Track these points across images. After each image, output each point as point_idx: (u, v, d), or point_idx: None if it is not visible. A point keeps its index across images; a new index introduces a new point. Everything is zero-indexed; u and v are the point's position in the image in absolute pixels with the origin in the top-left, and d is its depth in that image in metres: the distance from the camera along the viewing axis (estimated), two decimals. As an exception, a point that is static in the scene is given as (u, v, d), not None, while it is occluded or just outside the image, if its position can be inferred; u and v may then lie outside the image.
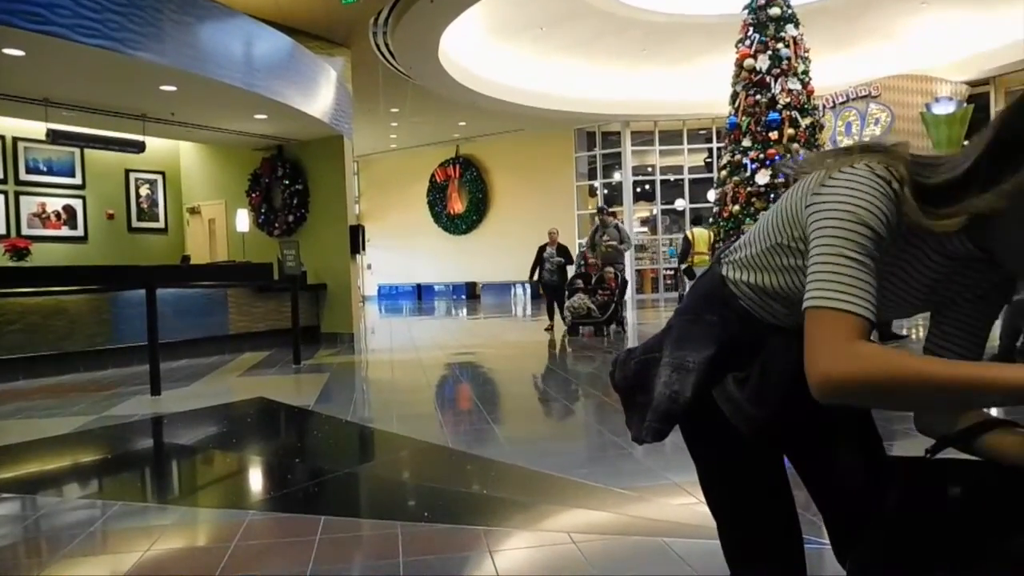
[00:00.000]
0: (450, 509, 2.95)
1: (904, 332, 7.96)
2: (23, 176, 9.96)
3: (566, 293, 10.02)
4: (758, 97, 9.67)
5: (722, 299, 1.12)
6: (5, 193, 9.80)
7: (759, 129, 9.64)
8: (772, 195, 9.52)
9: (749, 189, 9.69)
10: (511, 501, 3.04)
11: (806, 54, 9.93)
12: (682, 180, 17.99)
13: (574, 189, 18.78)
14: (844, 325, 0.83)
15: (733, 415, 1.06)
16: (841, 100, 15.40)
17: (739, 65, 9.93)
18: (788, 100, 9.58)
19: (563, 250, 10.55)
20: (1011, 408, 2.70)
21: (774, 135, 9.54)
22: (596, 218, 10.84)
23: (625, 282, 10.34)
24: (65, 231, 10.45)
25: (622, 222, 13.26)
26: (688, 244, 12.28)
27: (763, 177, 9.55)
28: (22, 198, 9.98)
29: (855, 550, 1.04)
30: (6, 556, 2.66)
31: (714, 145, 17.02)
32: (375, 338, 11.00)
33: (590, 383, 6.03)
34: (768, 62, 9.65)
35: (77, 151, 10.34)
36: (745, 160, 9.74)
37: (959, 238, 0.91)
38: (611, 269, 9.96)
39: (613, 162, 18.59)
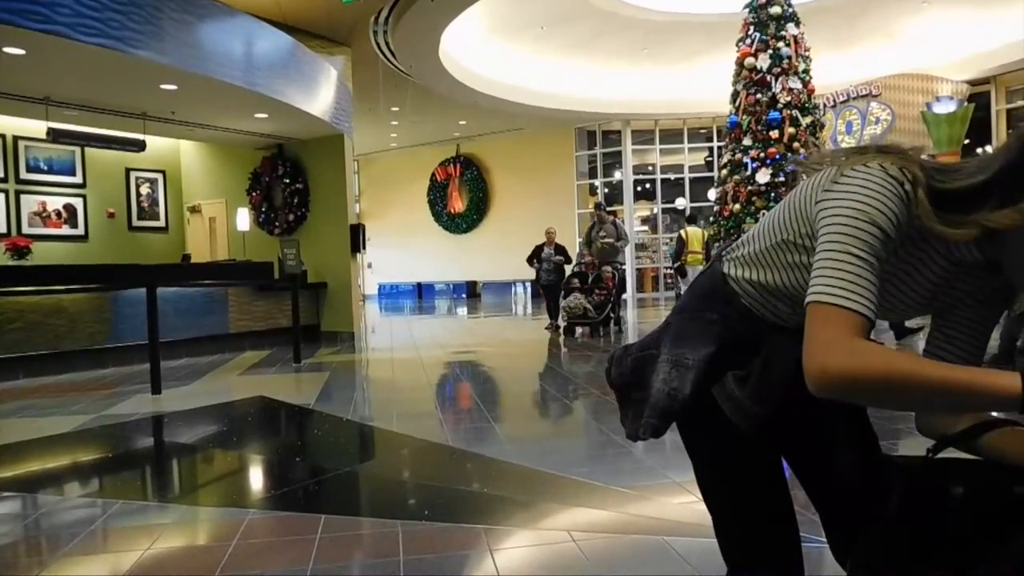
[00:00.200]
0: (450, 508, 2.95)
1: (915, 326, 7.76)
2: (24, 175, 9.96)
3: (562, 292, 9.90)
4: (759, 96, 9.66)
5: (723, 297, 1.11)
6: (6, 192, 9.81)
7: (760, 128, 9.64)
8: (773, 194, 9.51)
9: (750, 188, 9.68)
10: (511, 500, 3.04)
11: (807, 53, 9.92)
12: (683, 179, 17.98)
13: (575, 188, 18.76)
14: (845, 321, 0.83)
15: (733, 413, 1.06)
16: (842, 99, 15.39)
17: (740, 64, 9.92)
18: (789, 99, 9.58)
19: (561, 249, 10.53)
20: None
21: (775, 134, 9.53)
22: (593, 214, 10.80)
23: (623, 281, 10.24)
24: (66, 230, 10.46)
25: (623, 221, 13.23)
26: (682, 243, 12.29)
27: (764, 176, 9.55)
28: (23, 197, 9.98)
29: (856, 549, 1.04)
30: (6, 555, 2.66)
31: (715, 144, 17.00)
32: (375, 337, 11.00)
33: (590, 382, 6.03)
34: (769, 61, 9.64)
35: (78, 150, 10.34)
36: (746, 159, 9.73)
37: (968, 247, 0.91)
38: (608, 268, 9.80)
39: (614, 161, 18.58)
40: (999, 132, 14.58)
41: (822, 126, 10.37)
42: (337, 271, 10.17)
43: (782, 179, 9.46)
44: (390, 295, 22.04)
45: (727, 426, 1.07)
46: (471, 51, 13.60)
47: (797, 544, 1.16)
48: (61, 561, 2.51)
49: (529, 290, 18.49)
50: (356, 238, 10.09)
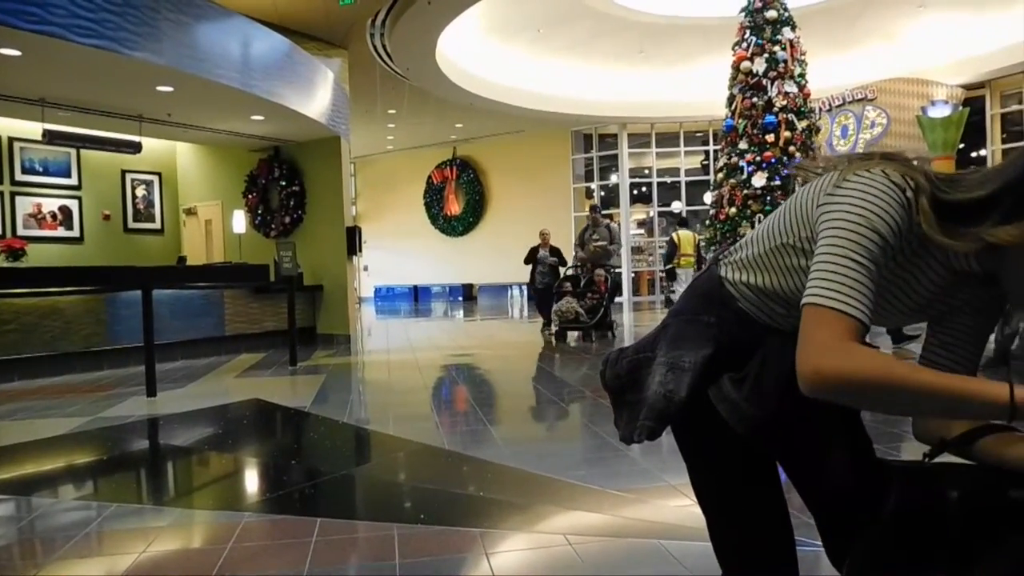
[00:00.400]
0: (446, 511, 2.95)
1: (913, 332, 7.78)
2: (19, 176, 9.93)
3: (554, 296, 9.79)
4: (754, 100, 9.70)
5: (720, 300, 1.11)
6: (1, 194, 9.77)
7: (755, 132, 9.68)
8: (768, 197, 9.55)
9: (745, 191, 9.72)
10: (507, 503, 3.04)
11: (803, 57, 9.97)
12: (679, 182, 18.03)
13: (571, 191, 18.79)
14: (840, 325, 0.84)
15: (730, 415, 1.06)
16: (838, 103, 15.44)
17: (736, 68, 9.96)
18: (784, 103, 9.62)
19: (556, 251, 10.54)
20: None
21: (770, 138, 9.57)
22: (588, 217, 10.79)
23: (616, 285, 10.17)
24: (61, 232, 10.43)
25: (618, 224, 13.25)
26: (674, 246, 12.32)
27: (759, 179, 9.58)
28: (18, 198, 9.95)
29: (852, 553, 1.04)
30: (1, 558, 2.65)
31: (711, 147, 17.04)
32: (371, 339, 10.99)
33: (586, 385, 6.03)
34: (764, 65, 9.69)
35: (73, 151, 10.32)
36: (741, 163, 9.77)
37: (967, 257, 0.92)
38: (601, 272, 9.63)
39: (610, 164, 18.62)
40: (994, 136, 14.65)
41: (818, 130, 10.42)
42: (333, 273, 10.16)
43: (778, 183, 9.51)
44: (386, 298, 22.03)
45: (723, 429, 1.07)
46: (468, 53, 13.62)
47: (792, 547, 1.16)
48: (56, 564, 2.50)
49: (525, 293, 18.49)
50: (352, 240, 10.07)
